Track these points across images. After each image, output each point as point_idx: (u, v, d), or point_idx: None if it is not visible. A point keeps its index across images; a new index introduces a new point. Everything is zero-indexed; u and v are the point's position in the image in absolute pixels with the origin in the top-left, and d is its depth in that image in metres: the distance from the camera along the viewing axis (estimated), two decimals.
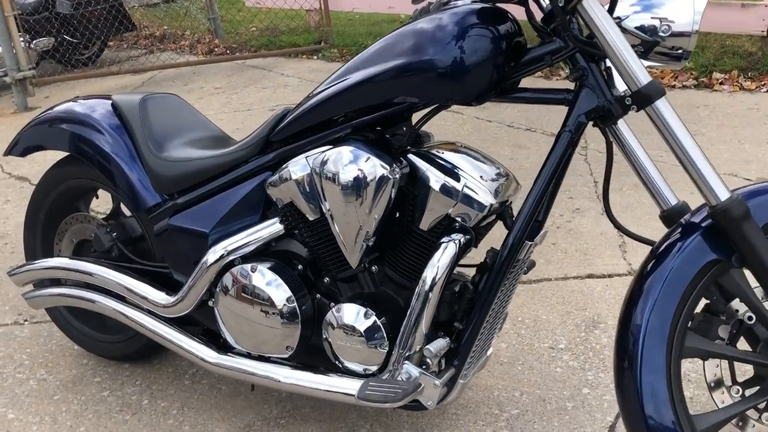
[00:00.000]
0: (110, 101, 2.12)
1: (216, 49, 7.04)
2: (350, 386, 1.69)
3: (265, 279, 1.77)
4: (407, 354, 1.64)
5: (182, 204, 1.93)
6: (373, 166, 1.59)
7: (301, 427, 1.99)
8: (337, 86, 1.66)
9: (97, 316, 2.20)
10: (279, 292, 1.75)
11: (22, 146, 2.21)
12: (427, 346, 1.63)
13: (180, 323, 1.97)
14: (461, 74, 1.52)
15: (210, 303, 1.88)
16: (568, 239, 2.90)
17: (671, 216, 1.60)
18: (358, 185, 1.60)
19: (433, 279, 1.58)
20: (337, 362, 1.75)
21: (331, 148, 1.65)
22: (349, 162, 1.61)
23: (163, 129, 2.03)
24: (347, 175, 1.60)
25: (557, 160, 1.55)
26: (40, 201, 2.23)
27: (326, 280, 1.77)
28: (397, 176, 1.60)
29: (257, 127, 1.86)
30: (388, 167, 1.59)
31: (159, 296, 1.94)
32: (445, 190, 1.58)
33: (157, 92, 2.16)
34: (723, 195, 1.43)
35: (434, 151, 1.65)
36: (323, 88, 1.71)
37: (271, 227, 1.80)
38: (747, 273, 1.49)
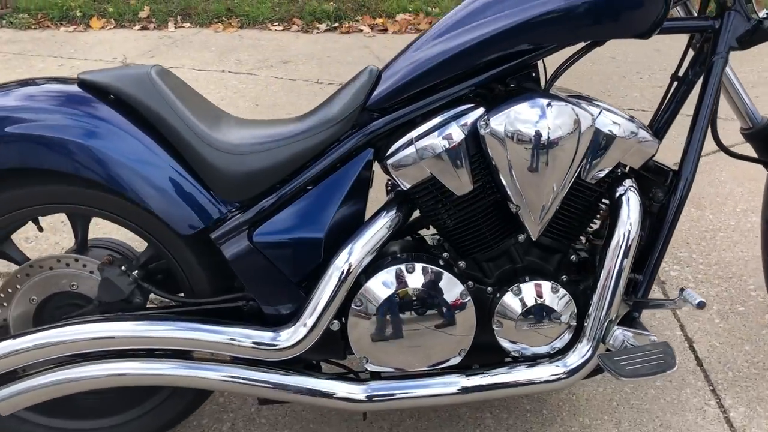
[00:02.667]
0: (75, 83, 1.44)
1: None
2: (555, 371, 1.50)
3: (428, 276, 1.44)
4: (610, 318, 1.50)
5: (268, 209, 1.43)
6: (576, 117, 1.38)
7: None
8: (467, 40, 1.42)
9: (67, 403, 1.52)
10: (449, 287, 1.44)
11: None
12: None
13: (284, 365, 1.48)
14: (640, 1, 1.40)
15: (333, 326, 1.45)
16: None
17: (756, 132, 1.73)
18: (566, 139, 1.38)
19: (627, 235, 1.46)
20: (515, 351, 1.52)
21: (507, 105, 1.39)
22: (557, 115, 1.37)
23: (200, 112, 1.45)
24: (557, 129, 1.37)
25: (716, 86, 1.54)
26: None
27: (462, 263, 1.52)
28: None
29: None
30: (590, 115, 1.40)
31: (268, 336, 1.42)
32: (625, 132, 1.45)
33: (139, 64, 1.52)
34: None
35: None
36: (434, 44, 1.45)
37: (396, 216, 1.46)
38: None
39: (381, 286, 1.44)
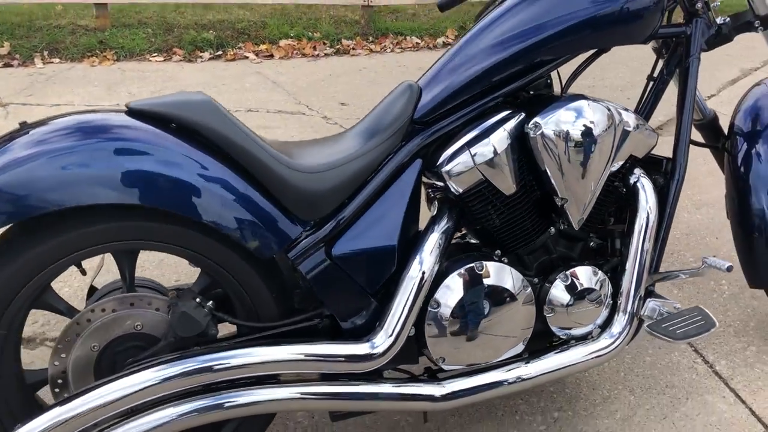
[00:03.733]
0: (124, 113, 1.39)
1: None
2: (602, 345, 1.65)
3: (495, 273, 1.55)
4: (641, 293, 1.68)
5: (341, 225, 1.47)
6: (612, 115, 1.56)
7: None
8: (500, 54, 1.56)
9: None
10: (514, 281, 1.56)
11: None
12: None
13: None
14: (642, 14, 1.62)
15: (410, 332, 1.51)
16: None
17: (706, 123, 2.04)
18: (606, 135, 1.55)
19: (648, 217, 1.66)
20: (563, 334, 1.66)
21: (553, 108, 1.54)
22: (596, 113, 1.53)
23: (256, 136, 1.45)
24: (599, 126, 1.53)
25: (695, 83, 1.79)
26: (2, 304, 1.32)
27: (505, 259, 1.63)
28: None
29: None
30: (620, 114, 1.59)
31: (362, 348, 1.44)
32: (636, 126, 1.66)
33: (181, 92, 1.48)
34: None
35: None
36: (469, 59, 1.58)
37: (449, 222, 1.57)
38: None
39: (454, 288, 1.52)
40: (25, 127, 1.35)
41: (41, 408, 1.42)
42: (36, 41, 4.92)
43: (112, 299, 1.41)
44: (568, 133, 1.52)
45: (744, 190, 2.00)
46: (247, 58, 4.97)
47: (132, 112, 1.39)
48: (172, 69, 4.73)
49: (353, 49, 5.21)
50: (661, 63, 1.87)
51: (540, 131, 1.52)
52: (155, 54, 4.94)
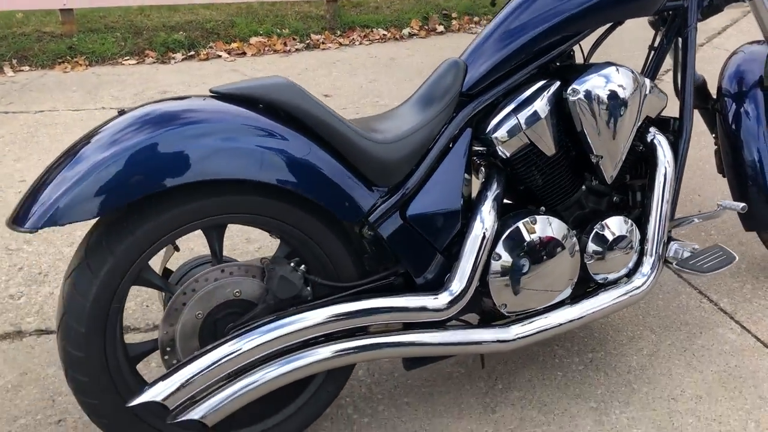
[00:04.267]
0: (210, 98, 1.51)
1: None
2: (635, 285, 1.86)
3: (547, 225, 1.73)
4: (665, 238, 1.90)
5: (410, 190, 1.62)
6: (637, 79, 1.76)
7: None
8: (535, 30, 1.75)
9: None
10: (560, 230, 1.74)
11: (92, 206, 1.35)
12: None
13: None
14: None
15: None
16: None
17: (696, 86, 2.27)
18: (634, 96, 1.76)
19: (667, 170, 1.88)
20: (601, 278, 1.86)
21: (587, 75, 1.73)
22: (625, 78, 1.73)
23: (335, 113, 1.59)
24: (628, 88, 1.74)
25: (693, 50, 2.01)
26: (116, 281, 1.42)
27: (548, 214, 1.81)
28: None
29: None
30: (640, 77, 1.79)
31: (434, 299, 1.61)
32: (650, 88, 1.86)
33: (261, 77, 1.60)
34: None
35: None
36: (506, 36, 1.75)
37: (499, 184, 1.74)
38: None
39: (513, 241, 1.69)
40: (123, 114, 1.46)
41: (142, 380, 1.55)
42: (3, 49, 4.87)
43: (214, 269, 1.53)
44: (601, 96, 1.71)
45: (737, 145, 2.25)
46: (220, 57, 5.03)
47: (221, 96, 1.51)
48: (147, 71, 4.76)
49: (323, 43, 5.33)
50: (659, 35, 2.08)
51: (578, 96, 1.71)
52: (127, 57, 4.94)
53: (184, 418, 1.43)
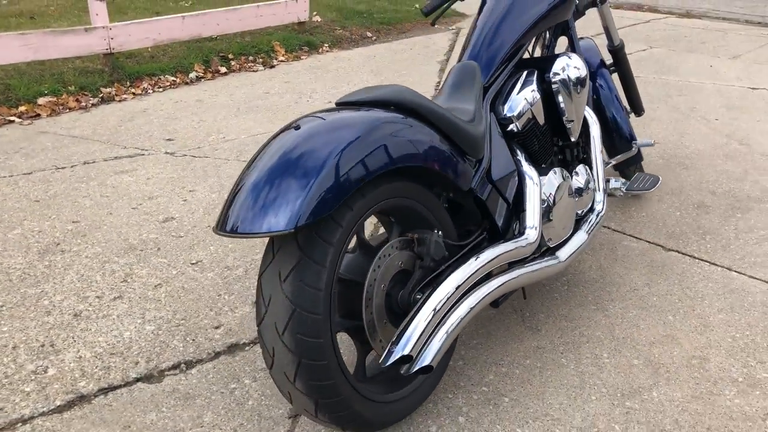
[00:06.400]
0: (340, 108, 1.81)
1: None
2: (599, 213, 2.54)
3: (562, 174, 2.32)
4: (605, 177, 2.62)
5: (487, 160, 2.08)
6: (583, 58, 2.44)
7: None
8: (511, 35, 2.35)
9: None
10: (566, 178, 2.35)
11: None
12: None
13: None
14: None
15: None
16: None
17: (616, 50, 3.13)
18: (586, 72, 2.42)
19: (597, 131, 2.61)
20: (580, 212, 2.51)
21: (557, 64, 2.36)
22: (580, 61, 2.41)
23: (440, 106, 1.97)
24: (582, 69, 2.40)
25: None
26: (333, 268, 1.65)
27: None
28: None
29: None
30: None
31: (523, 243, 2.07)
32: None
33: (372, 86, 1.92)
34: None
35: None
36: (495, 37, 2.33)
37: (524, 150, 2.30)
38: None
39: (551, 188, 2.25)
40: (298, 124, 1.66)
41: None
42: None
43: (388, 245, 1.80)
44: (571, 76, 2.35)
45: (600, 108, 3.10)
46: (13, 122, 4.62)
47: (356, 103, 1.78)
48: None
49: (116, 95, 5.20)
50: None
51: (558, 77, 2.32)
52: None
53: (418, 366, 1.68)
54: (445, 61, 6.29)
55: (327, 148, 1.59)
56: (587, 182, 2.49)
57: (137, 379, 2.14)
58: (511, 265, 2.09)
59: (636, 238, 3.02)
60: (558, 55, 2.41)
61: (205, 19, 6.00)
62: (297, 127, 1.66)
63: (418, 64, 6.18)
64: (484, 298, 1.89)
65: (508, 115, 2.21)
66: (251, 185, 1.56)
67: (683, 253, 2.91)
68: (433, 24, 2.65)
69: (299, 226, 1.49)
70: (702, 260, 2.85)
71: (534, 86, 2.27)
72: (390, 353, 1.67)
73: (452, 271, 1.83)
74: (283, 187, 1.53)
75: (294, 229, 1.49)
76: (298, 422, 1.96)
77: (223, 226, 1.55)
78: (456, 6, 8.55)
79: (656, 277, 2.72)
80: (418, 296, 1.80)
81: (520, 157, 2.22)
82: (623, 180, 2.79)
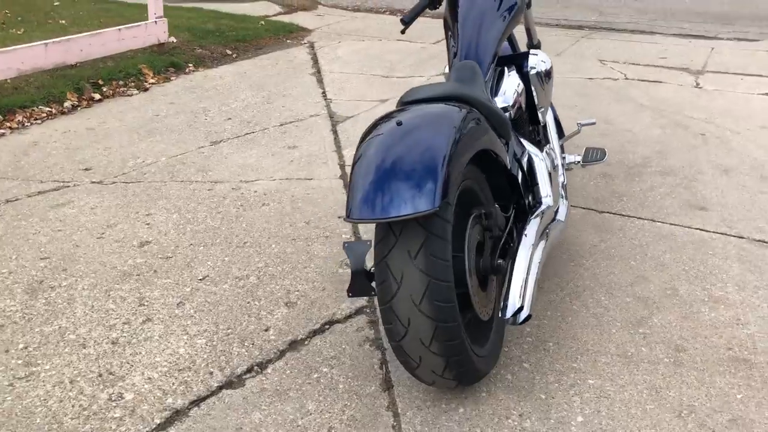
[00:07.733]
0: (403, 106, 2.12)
1: None
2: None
3: (555, 151, 2.77)
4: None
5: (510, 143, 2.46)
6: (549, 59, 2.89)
7: None
8: (500, 28, 2.75)
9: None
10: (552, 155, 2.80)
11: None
12: None
13: None
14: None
15: None
16: None
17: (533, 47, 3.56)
18: (552, 70, 2.87)
19: (554, 114, 3.08)
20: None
21: (531, 60, 2.79)
22: (546, 56, 2.85)
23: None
24: (548, 62, 2.85)
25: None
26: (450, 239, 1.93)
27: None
28: None
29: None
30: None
31: (549, 209, 2.50)
32: None
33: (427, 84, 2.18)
34: None
35: None
36: (476, 43, 2.72)
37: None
38: None
39: (551, 162, 2.64)
40: (399, 120, 1.90)
41: None
42: None
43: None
44: (543, 69, 2.79)
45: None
46: None
47: (423, 100, 2.05)
48: None
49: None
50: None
51: (534, 71, 2.75)
52: None
53: (524, 315, 1.98)
54: (317, 72, 6.55)
55: (440, 140, 1.85)
56: (555, 158, 2.95)
57: (220, 387, 2.20)
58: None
59: (572, 206, 3.53)
60: (528, 52, 2.82)
61: (69, 45, 5.72)
62: (399, 123, 1.89)
63: (293, 77, 6.37)
64: (545, 250, 2.26)
65: (504, 105, 2.58)
66: (382, 177, 1.77)
67: (614, 213, 3.47)
68: (402, 32, 2.93)
69: (437, 206, 1.74)
70: (631, 216, 3.43)
71: (518, 79, 2.66)
72: (505, 307, 1.96)
73: (523, 236, 2.16)
74: (415, 176, 1.76)
75: (438, 208, 1.73)
76: (395, 393, 2.17)
77: (362, 214, 1.74)
78: (300, 21, 8.87)
79: (604, 234, 3.25)
80: (499, 261, 2.11)
81: (522, 139, 2.61)
82: (577, 154, 3.28)
